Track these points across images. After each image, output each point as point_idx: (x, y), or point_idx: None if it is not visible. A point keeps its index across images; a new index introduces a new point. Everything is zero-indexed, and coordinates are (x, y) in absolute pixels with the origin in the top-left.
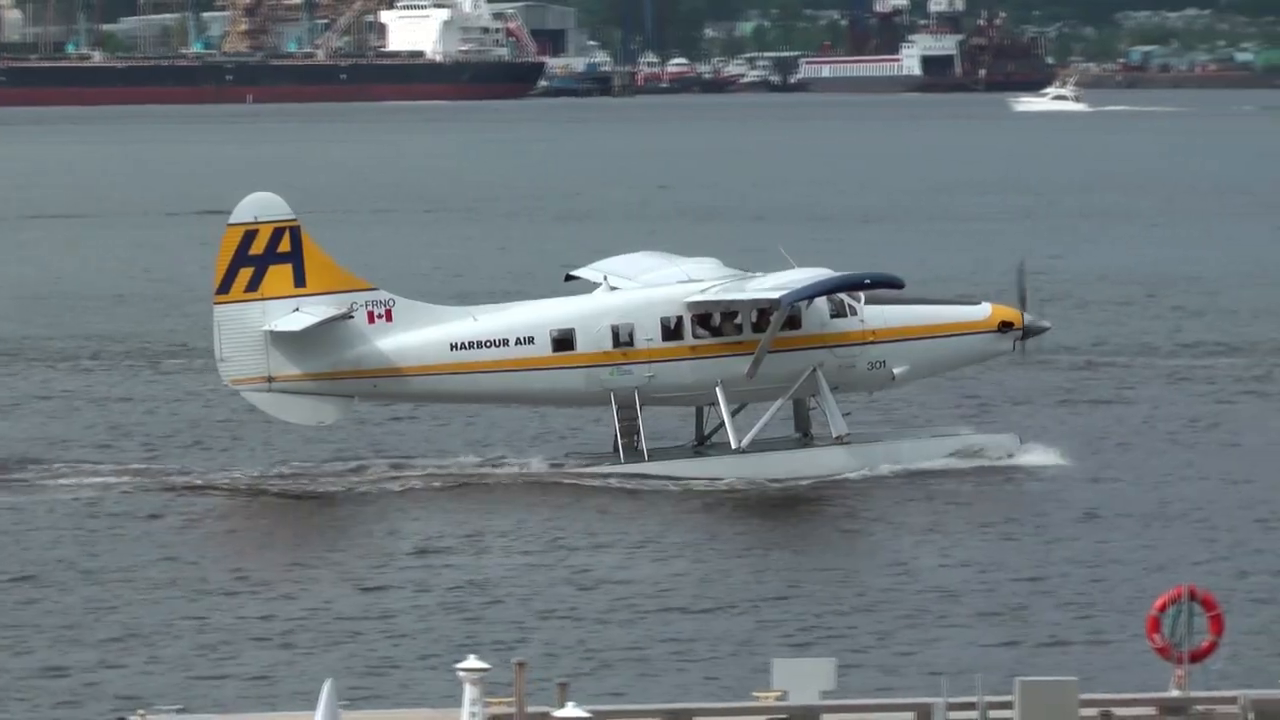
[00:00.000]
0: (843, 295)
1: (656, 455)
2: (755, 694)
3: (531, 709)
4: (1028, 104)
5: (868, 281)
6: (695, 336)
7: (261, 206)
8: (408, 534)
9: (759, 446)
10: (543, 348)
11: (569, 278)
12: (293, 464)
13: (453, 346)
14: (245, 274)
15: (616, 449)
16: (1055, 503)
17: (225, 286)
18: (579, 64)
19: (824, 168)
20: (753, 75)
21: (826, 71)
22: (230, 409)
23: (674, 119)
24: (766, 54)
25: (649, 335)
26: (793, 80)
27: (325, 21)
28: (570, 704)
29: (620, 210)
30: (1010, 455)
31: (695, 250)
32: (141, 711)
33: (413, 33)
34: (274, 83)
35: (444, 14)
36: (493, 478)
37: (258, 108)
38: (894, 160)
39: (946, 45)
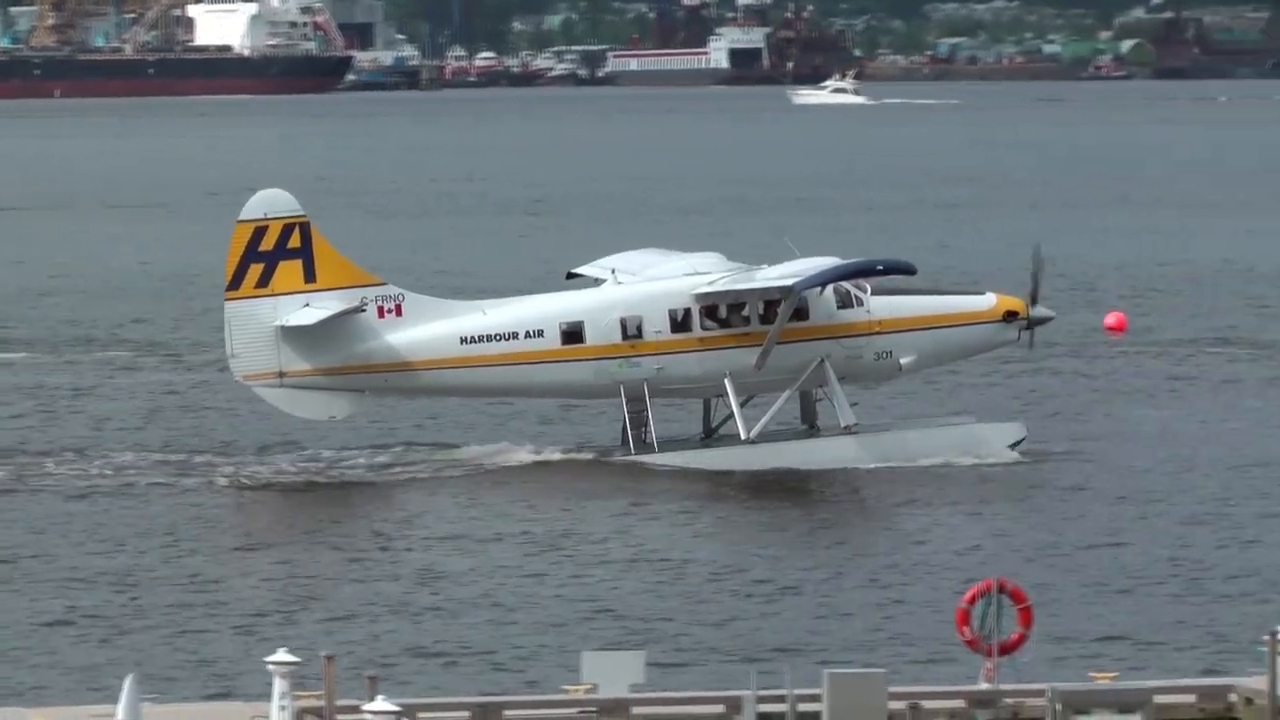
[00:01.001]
0: (849, 286)
1: (666, 447)
2: (565, 687)
3: (341, 702)
4: (807, 96)
5: (880, 268)
6: (703, 328)
7: (271, 203)
8: (237, 528)
9: (767, 437)
10: (552, 341)
11: (570, 275)
12: (130, 456)
13: (462, 340)
14: (255, 270)
15: (626, 441)
16: (874, 491)
17: (236, 283)
18: (387, 58)
19: (626, 162)
20: (560, 68)
21: (634, 65)
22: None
23: (484, 113)
24: (574, 47)
25: (657, 327)
26: (600, 74)
27: (133, 16)
28: (380, 697)
29: (439, 204)
30: (1017, 444)
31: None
32: None
33: (220, 27)
34: (82, 77)
35: (251, 8)
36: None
37: (65, 103)
38: (697, 154)
39: (754, 38)
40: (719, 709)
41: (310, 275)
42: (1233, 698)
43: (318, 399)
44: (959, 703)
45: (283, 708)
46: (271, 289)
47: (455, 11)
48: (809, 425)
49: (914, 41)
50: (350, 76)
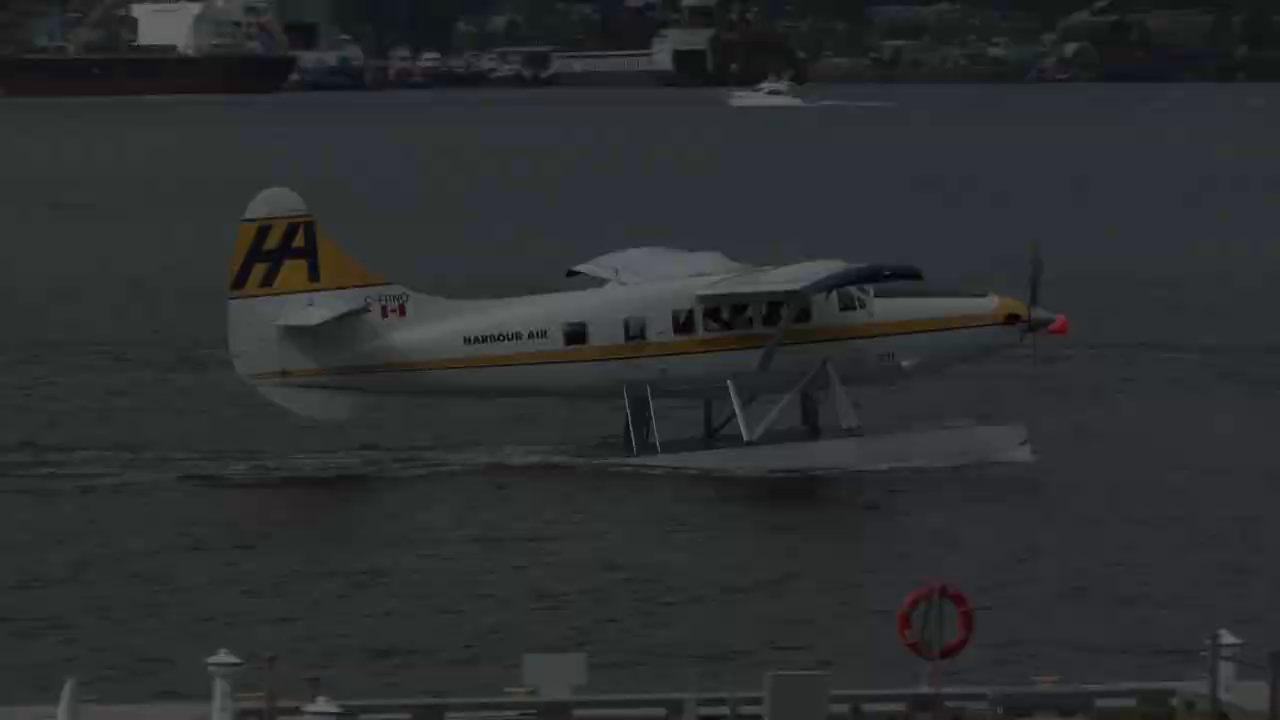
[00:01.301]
0: (852, 289)
1: (669, 448)
2: (507, 690)
3: (283, 703)
4: (743, 99)
5: (887, 273)
6: (706, 330)
7: (276, 202)
8: (185, 528)
9: (769, 439)
10: (555, 341)
11: (570, 273)
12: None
13: (466, 340)
14: (260, 269)
15: (629, 442)
16: (833, 494)
17: (240, 281)
18: (331, 58)
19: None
20: (505, 69)
21: (579, 66)
22: None
23: (428, 112)
24: (519, 48)
25: (661, 328)
26: (545, 74)
27: (77, 15)
28: (321, 699)
29: (390, 203)
30: (1018, 446)
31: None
32: None
33: (164, 26)
34: (25, 77)
35: (195, 7)
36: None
37: (7, 102)
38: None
39: (699, 39)
40: (660, 712)
41: (314, 275)
42: (1174, 702)
43: (321, 398)
44: (900, 705)
45: (224, 709)
46: (275, 288)
47: (401, 12)
48: (810, 427)
49: (858, 44)
50: (294, 77)
